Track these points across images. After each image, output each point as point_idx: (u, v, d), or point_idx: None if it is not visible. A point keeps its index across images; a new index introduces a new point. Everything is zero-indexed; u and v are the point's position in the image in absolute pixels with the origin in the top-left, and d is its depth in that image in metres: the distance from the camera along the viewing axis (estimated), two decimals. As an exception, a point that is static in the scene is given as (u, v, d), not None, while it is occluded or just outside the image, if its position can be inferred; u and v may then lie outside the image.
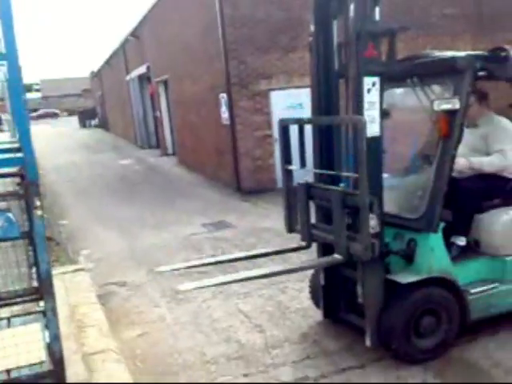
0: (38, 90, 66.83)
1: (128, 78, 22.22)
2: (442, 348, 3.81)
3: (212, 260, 4.76)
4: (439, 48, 4.24)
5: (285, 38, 10.18)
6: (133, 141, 22.96)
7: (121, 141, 25.48)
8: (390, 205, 3.79)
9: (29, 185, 2.87)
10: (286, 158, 4.11)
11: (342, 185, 3.82)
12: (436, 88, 3.77)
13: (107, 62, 28.82)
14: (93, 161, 18.15)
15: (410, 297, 3.68)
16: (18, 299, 3.14)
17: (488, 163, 4.08)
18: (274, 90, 10.35)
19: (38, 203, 2.80)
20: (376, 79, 3.46)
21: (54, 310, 2.96)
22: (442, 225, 3.73)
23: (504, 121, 4.25)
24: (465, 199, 3.98)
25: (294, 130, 4.05)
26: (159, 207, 9.80)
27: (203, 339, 4.39)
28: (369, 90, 3.45)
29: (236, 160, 10.52)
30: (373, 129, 3.47)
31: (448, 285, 3.77)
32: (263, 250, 4.70)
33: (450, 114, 3.53)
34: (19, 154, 3.03)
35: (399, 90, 4.28)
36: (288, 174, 4.16)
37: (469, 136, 4.03)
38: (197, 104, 12.96)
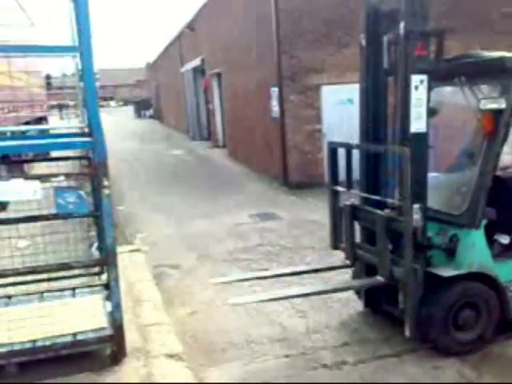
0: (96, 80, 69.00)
1: (183, 70, 22.65)
2: (480, 342, 3.88)
3: (261, 274, 5.05)
4: (498, 48, 4.23)
5: (338, 33, 10.14)
6: (185, 132, 23.40)
7: (173, 132, 26.06)
8: (434, 200, 3.88)
9: (98, 165, 3.14)
10: (333, 179, 4.28)
11: (386, 210, 3.92)
12: (483, 87, 3.82)
13: (163, 54, 29.46)
14: (146, 150, 18.73)
15: (450, 290, 3.77)
16: (84, 270, 3.46)
17: (534, 163, 4.11)
18: (324, 84, 10.40)
19: (106, 183, 3.07)
20: (424, 77, 3.57)
21: (116, 281, 3.25)
22: (484, 222, 3.79)
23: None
24: (509, 197, 4.02)
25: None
26: (208, 197, 10.10)
27: (249, 321, 4.63)
28: (416, 87, 3.57)
29: (284, 153, 10.64)
30: (419, 125, 3.59)
31: (488, 280, 3.84)
32: (309, 267, 4.96)
33: (497, 113, 3.59)
34: (88, 138, 3.33)
35: (446, 89, 4.34)
36: (335, 194, 4.33)
37: (516, 136, 4.06)
38: (248, 97, 13.15)
